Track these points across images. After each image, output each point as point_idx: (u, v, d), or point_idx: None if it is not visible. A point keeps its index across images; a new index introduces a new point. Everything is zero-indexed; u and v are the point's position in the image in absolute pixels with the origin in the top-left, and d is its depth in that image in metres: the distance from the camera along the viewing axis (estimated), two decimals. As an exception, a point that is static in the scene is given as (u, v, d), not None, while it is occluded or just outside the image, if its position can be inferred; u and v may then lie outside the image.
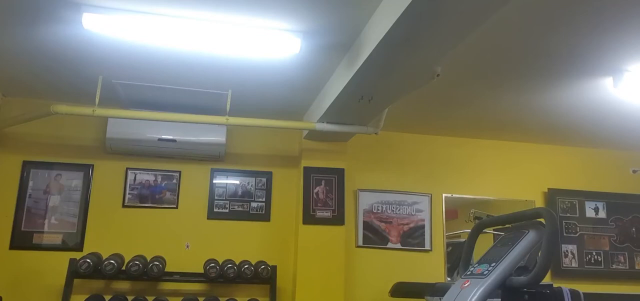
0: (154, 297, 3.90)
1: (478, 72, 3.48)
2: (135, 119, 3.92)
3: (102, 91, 3.72)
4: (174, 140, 4.10)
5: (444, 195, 4.77)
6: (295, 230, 4.32)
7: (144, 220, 4.18)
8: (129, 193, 4.21)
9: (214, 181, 4.36)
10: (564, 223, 4.90)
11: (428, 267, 4.56)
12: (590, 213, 4.99)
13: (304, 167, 4.30)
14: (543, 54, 3.16)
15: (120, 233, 4.12)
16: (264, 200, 4.41)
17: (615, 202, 5.03)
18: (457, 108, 4.20)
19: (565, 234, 4.88)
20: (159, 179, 4.28)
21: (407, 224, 4.64)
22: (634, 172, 5.10)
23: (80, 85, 3.81)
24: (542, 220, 2.10)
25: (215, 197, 4.34)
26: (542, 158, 5.06)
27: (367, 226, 4.57)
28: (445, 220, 4.73)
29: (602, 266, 4.88)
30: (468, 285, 2.03)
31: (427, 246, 4.62)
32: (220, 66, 3.44)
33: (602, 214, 5.01)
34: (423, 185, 4.75)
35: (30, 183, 4.07)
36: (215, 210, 4.30)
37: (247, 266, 3.92)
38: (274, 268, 4.06)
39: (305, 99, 4.05)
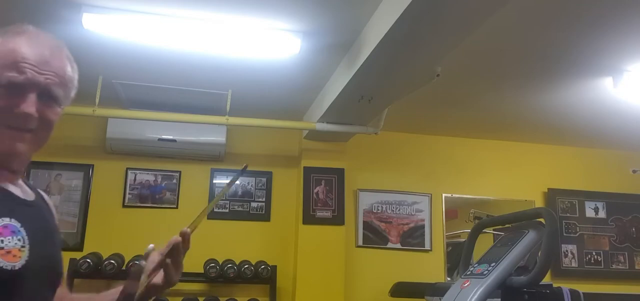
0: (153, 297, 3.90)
1: (478, 72, 3.48)
2: (135, 119, 3.92)
3: (102, 91, 3.72)
4: (174, 140, 4.10)
5: (444, 195, 4.77)
6: (295, 230, 4.32)
7: (144, 220, 4.18)
8: (129, 193, 4.21)
9: (214, 181, 4.36)
10: (563, 223, 4.89)
11: (428, 267, 4.56)
12: (590, 213, 4.98)
13: (304, 167, 4.30)
14: (543, 54, 3.17)
15: (120, 233, 4.12)
16: (264, 200, 4.41)
17: (615, 202, 5.03)
18: (457, 108, 4.20)
19: (565, 234, 4.87)
20: (159, 179, 4.28)
21: (407, 224, 4.63)
22: (634, 172, 5.10)
23: (80, 85, 3.77)
24: (542, 220, 2.10)
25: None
26: (542, 158, 5.05)
27: (367, 226, 4.56)
28: (445, 220, 4.73)
29: (602, 266, 4.88)
30: (468, 285, 2.03)
31: (427, 246, 4.62)
32: (220, 66, 3.44)
33: (602, 214, 5.00)
34: (423, 185, 4.74)
35: (31, 183, 4.06)
36: (216, 210, 4.30)
37: (247, 266, 3.92)
38: (274, 268, 4.06)
39: (305, 99, 4.05)
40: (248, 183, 4.42)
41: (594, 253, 4.89)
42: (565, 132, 4.65)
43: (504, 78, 3.57)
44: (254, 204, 4.40)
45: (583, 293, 2.08)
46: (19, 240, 0.94)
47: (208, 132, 4.16)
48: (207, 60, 3.35)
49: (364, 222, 4.56)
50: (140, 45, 3.15)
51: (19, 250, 0.94)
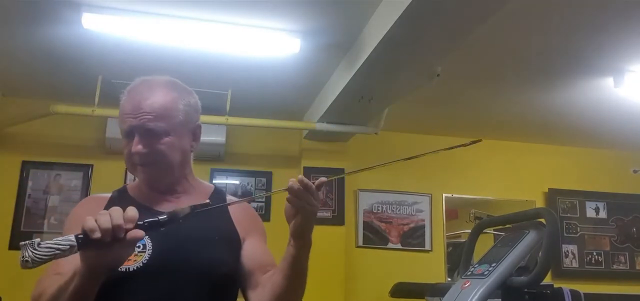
0: (153, 297, 3.89)
1: (478, 71, 3.47)
2: (135, 119, 3.91)
3: (102, 91, 3.71)
4: (173, 140, 4.09)
5: (444, 195, 4.76)
6: (295, 230, 4.31)
7: (144, 220, 4.17)
8: (128, 193, 4.21)
9: (214, 181, 4.35)
10: (564, 223, 4.89)
11: (428, 267, 4.55)
12: (590, 213, 4.98)
13: (304, 167, 4.29)
14: (543, 54, 3.16)
15: (120, 233, 4.11)
16: (263, 200, 4.41)
17: (616, 202, 5.02)
18: (457, 108, 4.20)
19: (565, 234, 4.87)
20: (159, 179, 4.27)
21: (407, 224, 4.63)
22: (635, 172, 5.09)
23: (80, 85, 3.80)
24: (542, 220, 2.10)
25: (215, 197, 4.33)
26: (542, 158, 5.04)
27: (367, 226, 4.56)
28: (446, 220, 4.72)
29: (603, 267, 4.88)
30: (468, 286, 2.02)
31: (427, 247, 4.61)
32: (220, 66, 3.43)
33: (602, 214, 5.00)
34: (423, 185, 4.74)
35: (30, 184, 4.06)
36: (215, 210, 4.30)
37: (247, 266, 3.91)
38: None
39: (305, 99, 4.04)
40: (248, 183, 4.42)
41: (594, 254, 4.88)
42: (566, 132, 4.65)
43: (504, 78, 3.56)
44: (253, 204, 4.39)
45: (584, 293, 2.07)
46: (137, 246, 1.10)
47: (208, 132, 4.09)
48: (207, 60, 3.34)
49: (364, 222, 4.56)
50: (140, 44, 3.14)
51: (136, 255, 1.15)
